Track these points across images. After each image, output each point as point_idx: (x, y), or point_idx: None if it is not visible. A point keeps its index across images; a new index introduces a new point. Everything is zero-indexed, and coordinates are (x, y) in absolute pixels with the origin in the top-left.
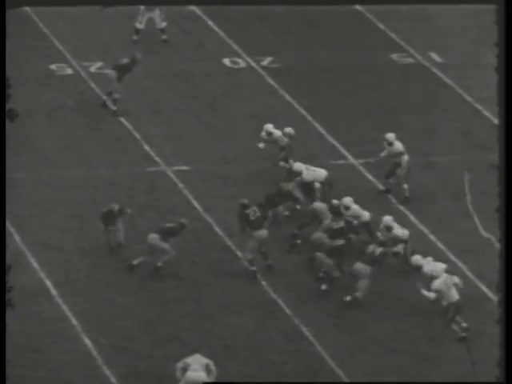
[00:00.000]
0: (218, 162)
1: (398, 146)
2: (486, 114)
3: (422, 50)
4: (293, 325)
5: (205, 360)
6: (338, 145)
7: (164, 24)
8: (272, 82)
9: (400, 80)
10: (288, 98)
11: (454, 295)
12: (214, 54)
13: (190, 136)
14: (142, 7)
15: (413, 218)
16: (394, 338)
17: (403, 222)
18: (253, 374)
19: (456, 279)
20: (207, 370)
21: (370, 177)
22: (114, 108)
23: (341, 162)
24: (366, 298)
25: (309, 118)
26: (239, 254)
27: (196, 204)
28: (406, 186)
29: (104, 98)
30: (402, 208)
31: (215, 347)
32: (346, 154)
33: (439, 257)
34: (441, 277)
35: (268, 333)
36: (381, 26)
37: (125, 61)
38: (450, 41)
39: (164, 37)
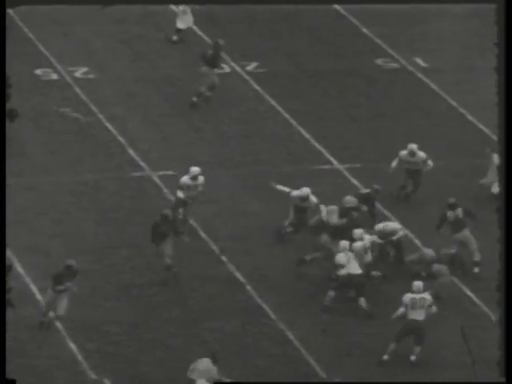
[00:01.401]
0: (204, 166)
1: (422, 154)
2: (471, 118)
3: (407, 55)
4: (278, 329)
5: (207, 365)
6: (323, 150)
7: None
8: (257, 86)
9: (385, 85)
10: (273, 102)
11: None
12: (200, 59)
13: (175, 141)
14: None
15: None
16: (379, 342)
17: None
18: (239, 378)
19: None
20: (207, 375)
21: (355, 182)
22: (195, 100)
23: (326, 166)
24: (348, 302)
25: (294, 122)
26: (224, 258)
27: (181, 209)
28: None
29: (194, 99)
30: (386, 212)
31: (201, 352)
32: (332, 158)
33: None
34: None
35: (254, 337)
36: (365, 30)
37: (209, 52)
38: (435, 45)
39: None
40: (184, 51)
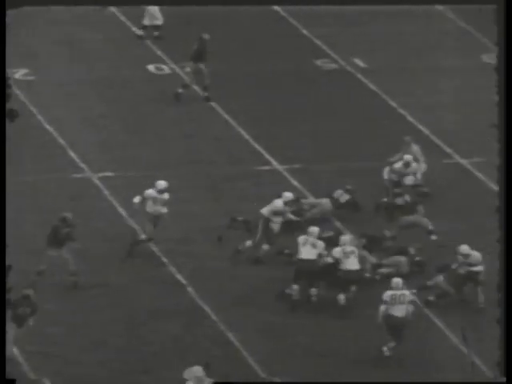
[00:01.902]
0: (143, 167)
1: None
2: (411, 119)
3: (346, 56)
4: (219, 330)
5: (200, 373)
6: (262, 150)
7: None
8: (196, 87)
9: (324, 85)
10: (213, 103)
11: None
12: (139, 61)
13: (114, 142)
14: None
15: (338, 224)
16: (321, 342)
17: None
18: (180, 379)
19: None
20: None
21: (295, 182)
22: (206, 94)
23: (266, 167)
24: (289, 303)
25: (234, 123)
26: (165, 260)
27: (121, 210)
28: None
29: (179, 90)
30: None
31: (143, 353)
32: (271, 159)
33: None
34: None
35: (195, 338)
36: (305, 31)
37: (195, 47)
38: (374, 46)
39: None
40: (122, 52)
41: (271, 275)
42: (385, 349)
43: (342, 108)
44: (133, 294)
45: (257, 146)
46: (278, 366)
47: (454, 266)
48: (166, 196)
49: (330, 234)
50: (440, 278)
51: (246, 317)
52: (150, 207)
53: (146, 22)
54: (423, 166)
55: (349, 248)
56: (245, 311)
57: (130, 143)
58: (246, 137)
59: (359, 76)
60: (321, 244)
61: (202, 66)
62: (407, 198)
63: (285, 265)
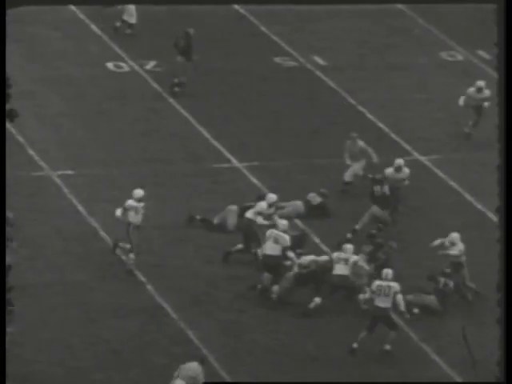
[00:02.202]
0: (102, 165)
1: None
2: (370, 116)
3: (306, 53)
4: (178, 328)
5: (196, 370)
6: (221, 148)
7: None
8: (156, 85)
9: (284, 83)
10: (172, 101)
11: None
12: (98, 58)
13: (74, 140)
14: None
15: (299, 222)
16: (278, 340)
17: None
18: (139, 377)
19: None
20: (193, 380)
21: (254, 180)
22: (177, 89)
23: (225, 165)
24: (249, 301)
25: (193, 121)
26: (124, 257)
27: (81, 208)
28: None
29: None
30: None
31: (101, 351)
32: (230, 157)
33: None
34: None
35: (154, 336)
36: (264, 29)
37: (182, 42)
38: (333, 43)
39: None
40: (81, 50)
41: (230, 273)
42: (387, 346)
43: (302, 105)
44: (91, 292)
45: (216, 144)
46: (237, 364)
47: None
48: (142, 204)
49: (296, 233)
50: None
51: (206, 315)
52: (133, 217)
53: (125, 17)
54: (374, 156)
55: (344, 255)
56: (204, 309)
57: (89, 141)
58: (206, 134)
59: (319, 73)
60: (285, 239)
61: (189, 62)
62: (386, 189)
63: (245, 263)
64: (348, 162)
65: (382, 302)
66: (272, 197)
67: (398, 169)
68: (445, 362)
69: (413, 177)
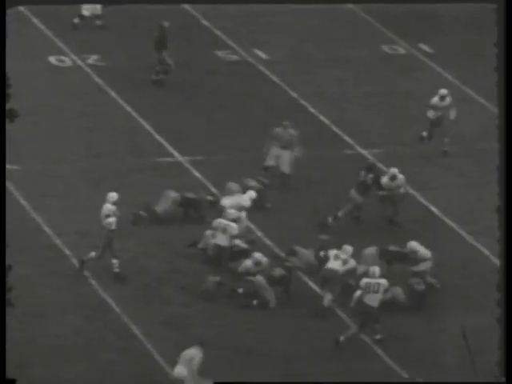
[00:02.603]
0: (47, 160)
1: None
2: (312, 110)
3: (248, 47)
4: (122, 323)
5: (192, 354)
6: (164, 142)
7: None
8: (98, 79)
9: (225, 77)
10: (114, 95)
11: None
12: (40, 53)
13: (16, 135)
14: None
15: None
16: (222, 334)
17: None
18: (84, 372)
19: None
20: (189, 364)
21: (197, 174)
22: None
23: (169, 159)
24: (192, 295)
25: (135, 115)
26: (68, 252)
27: (24, 203)
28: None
29: (156, 77)
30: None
31: (45, 346)
32: (173, 151)
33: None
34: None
35: (98, 331)
36: (205, 22)
37: (156, 34)
38: (275, 37)
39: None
40: (23, 45)
41: (174, 267)
42: (377, 336)
43: (244, 99)
44: (35, 287)
45: (159, 138)
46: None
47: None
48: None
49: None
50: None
51: (150, 309)
52: (110, 222)
53: (86, 12)
54: (298, 150)
55: (343, 255)
56: (148, 303)
57: (32, 136)
58: (149, 129)
59: (260, 67)
60: (233, 228)
61: (164, 53)
62: (369, 178)
63: (189, 257)
64: (266, 149)
65: (370, 300)
66: (252, 194)
67: (393, 178)
68: (389, 356)
69: (355, 170)
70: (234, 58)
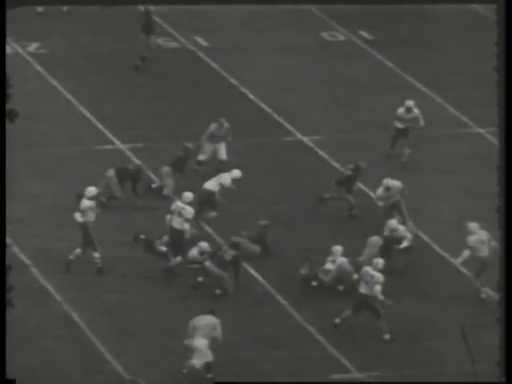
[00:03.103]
0: None
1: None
2: (252, 97)
3: (188, 34)
4: (63, 311)
5: (213, 323)
6: (105, 130)
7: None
8: (39, 67)
9: (166, 64)
10: (55, 83)
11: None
12: None
13: None
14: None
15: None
16: (163, 322)
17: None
18: (26, 360)
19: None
20: (208, 334)
21: (138, 161)
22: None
23: (109, 146)
24: (133, 283)
25: (76, 103)
26: (9, 240)
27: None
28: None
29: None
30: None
31: None
32: (114, 138)
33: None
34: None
35: (39, 319)
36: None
37: (141, 20)
38: (215, 25)
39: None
40: None
41: (115, 255)
42: (337, 320)
43: (184, 86)
44: None
45: (99, 126)
46: (122, 346)
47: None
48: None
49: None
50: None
51: (91, 297)
52: (90, 216)
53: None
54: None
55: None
56: (89, 291)
57: None
58: (89, 116)
59: (201, 54)
60: (188, 211)
61: (152, 37)
62: (349, 171)
63: (129, 244)
64: (204, 142)
65: (363, 288)
66: (237, 173)
67: (387, 188)
68: (329, 343)
69: (295, 157)
70: (174, 45)
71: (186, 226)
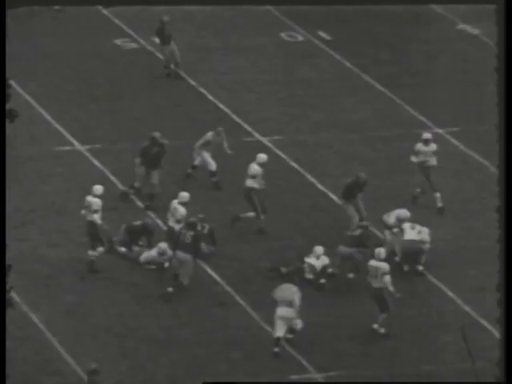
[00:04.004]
0: None
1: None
2: (210, 98)
3: (146, 35)
4: (22, 312)
5: (293, 290)
6: (64, 131)
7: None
8: None
9: (124, 65)
10: (13, 83)
11: None
12: None
13: None
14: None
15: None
16: (123, 323)
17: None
18: None
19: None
20: (290, 303)
21: (96, 162)
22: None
23: (67, 148)
24: (94, 283)
25: (35, 104)
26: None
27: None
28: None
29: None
30: (140, 204)
31: None
32: (72, 140)
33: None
34: None
35: None
36: (104, 11)
37: (157, 29)
38: (174, 25)
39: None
40: None
41: (74, 256)
42: (375, 326)
43: (143, 87)
44: None
45: (58, 127)
46: (81, 348)
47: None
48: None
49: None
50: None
51: (50, 298)
52: (98, 216)
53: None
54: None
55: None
56: (48, 292)
57: None
58: (47, 117)
59: (159, 55)
60: (179, 212)
61: (173, 46)
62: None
63: (85, 246)
64: (198, 149)
65: (375, 283)
66: (262, 157)
67: (426, 142)
68: (287, 343)
69: (254, 158)
70: (133, 46)
71: (177, 227)
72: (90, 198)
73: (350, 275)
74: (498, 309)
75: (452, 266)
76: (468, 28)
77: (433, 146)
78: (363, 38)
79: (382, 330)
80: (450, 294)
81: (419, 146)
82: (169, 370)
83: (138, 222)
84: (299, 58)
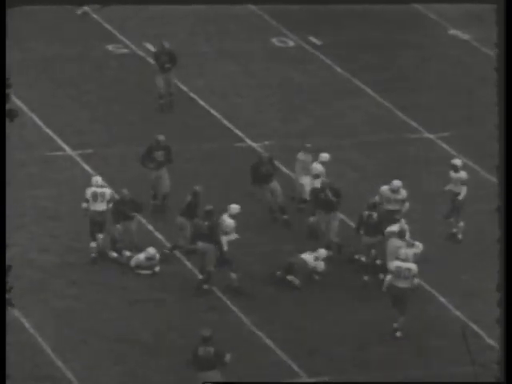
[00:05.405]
0: None
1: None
2: (202, 103)
3: (137, 40)
4: (13, 316)
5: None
6: (55, 136)
7: None
8: None
9: (116, 70)
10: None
11: None
12: None
13: None
14: None
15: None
16: (113, 328)
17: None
18: None
19: None
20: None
21: (87, 167)
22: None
23: (58, 153)
24: (84, 289)
25: (26, 109)
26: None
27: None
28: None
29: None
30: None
31: None
32: (64, 145)
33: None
34: None
35: None
36: (95, 16)
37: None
38: (164, 30)
39: None
40: None
41: (64, 260)
42: (395, 325)
43: (134, 92)
44: None
45: (49, 132)
46: (71, 353)
47: None
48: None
49: None
50: None
51: (40, 302)
52: (101, 205)
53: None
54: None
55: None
56: (39, 297)
57: None
58: (39, 123)
59: (150, 60)
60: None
61: (170, 75)
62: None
63: (80, 250)
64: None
65: (401, 283)
66: (325, 156)
67: (394, 190)
68: (278, 347)
69: (245, 163)
70: (124, 51)
71: (224, 238)
72: (94, 189)
73: (365, 278)
74: (488, 314)
75: (443, 270)
76: (459, 33)
77: (462, 174)
78: (354, 42)
79: (399, 334)
80: (442, 299)
81: (452, 174)
82: (161, 375)
83: (126, 192)
84: (290, 63)
